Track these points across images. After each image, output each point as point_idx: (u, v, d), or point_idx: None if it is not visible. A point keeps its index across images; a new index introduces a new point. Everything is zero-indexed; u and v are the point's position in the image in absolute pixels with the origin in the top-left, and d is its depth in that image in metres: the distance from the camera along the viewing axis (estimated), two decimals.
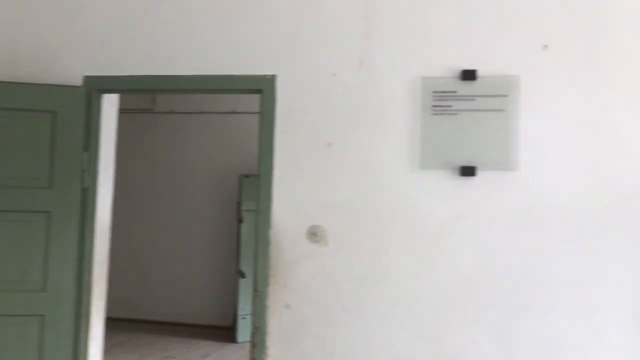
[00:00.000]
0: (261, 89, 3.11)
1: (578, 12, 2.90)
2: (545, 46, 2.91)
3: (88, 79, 3.28)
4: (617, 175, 2.83)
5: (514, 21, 2.95)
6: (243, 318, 6.12)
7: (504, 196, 2.90)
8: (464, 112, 2.94)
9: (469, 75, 2.94)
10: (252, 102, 4.01)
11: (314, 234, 3.04)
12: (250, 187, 5.75)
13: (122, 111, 3.81)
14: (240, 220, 6.21)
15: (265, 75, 3.12)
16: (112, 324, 4.30)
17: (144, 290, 6.87)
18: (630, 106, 2.84)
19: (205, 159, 6.86)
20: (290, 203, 3.06)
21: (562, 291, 2.83)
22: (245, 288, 5.98)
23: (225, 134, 6.72)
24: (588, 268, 2.82)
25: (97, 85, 3.29)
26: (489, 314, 2.89)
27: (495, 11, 2.96)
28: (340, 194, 3.03)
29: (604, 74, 2.86)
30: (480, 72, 2.94)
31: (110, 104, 3.54)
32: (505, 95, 2.92)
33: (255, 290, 3.06)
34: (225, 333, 6.38)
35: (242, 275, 6.12)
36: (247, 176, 6.08)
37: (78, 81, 3.28)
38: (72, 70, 3.30)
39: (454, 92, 2.96)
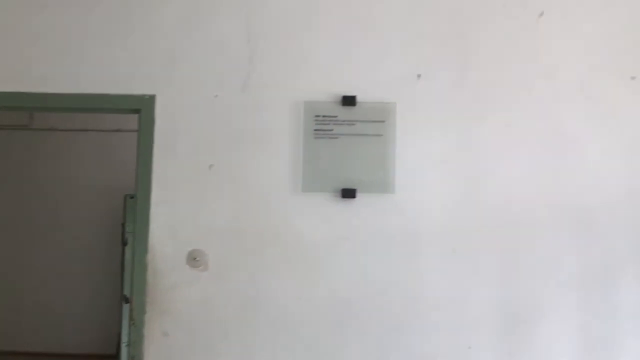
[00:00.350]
0: (139, 108, 3.02)
1: (449, 43, 3.05)
2: (419, 75, 3.04)
3: None
4: (486, 198, 2.99)
5: (391, 50, 3.06)
6: (127, 345, 5.87)
7: (382, 218, 2.98)
8: (344, 136, 3.00)
9: (349, 101, 3.00)
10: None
11: (194, 259, 2.97)
12: (135, 208, 5.56)
13: None
14: (124, 243, 5.98)
15: (143, 95, 3.03)
16: None
17: (15, 318, 6.44)
18: (496, 131, 3.01)
19: (88, 178, 6.57)
20: (169, 226, 2.98)
21: (436, 309, 2.93)
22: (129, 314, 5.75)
23: (110, 152, 6.48)
24: (460, 287, 2.95)
25: None
26: (369, 333, 2.94)
27: (374, 40, 3.06)
28: (222, 217, 2.98)
29: (472, 102, 3.03)
30: (359, 98, 3.01)
31: None
32: (383, 121, 3.01)
33: (131, 318, 2.94)
34: None
35: (127, 300, 5.87)
36: (132, 197, 5.86)
37: None
38: None
39: (335, 116, 3.01)
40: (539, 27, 3.06)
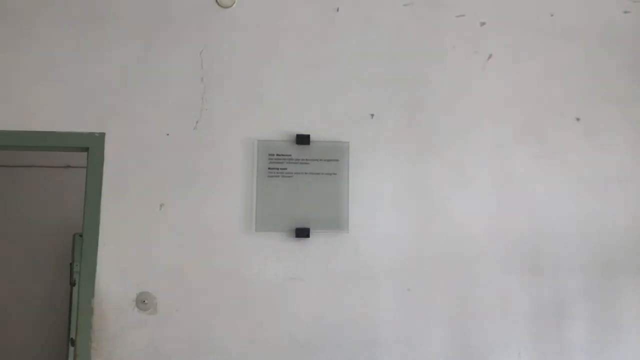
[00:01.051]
0: (88, 147, 2.95)
1: (401, 84, 3.10)
2: (372, 115, 3.06)
3: None
4: (438, 237, 3.00)
5: (344, 90, 3.08)
6: None
7: (336, 257, 2.96)
8: (298, 175, 2.99)
9: (302, 139, 3.00)
10: None
11: (143, 302, 2.87)
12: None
13: None
14: (72, 283, 5.78)
15: (93, 133, 2.97)
16: None
17: None
18: (448, 171, 3.05)
19: (34, 216, 6.32)
20: (117, 268, 2.89)
21: (391, 349, 2.90)
22: None
23: (58, 189, 6.29)
24: (414, 327, 2.93)
25: None
26: None
27: (327, 80, 3.08)
28: (172, 258, 2.91)
29: (424, 141, 3.07)
30: (313, 137, 3.01)
31: None
32: (337, 160, 3.01)
33: None
34: None
35: (72, 343, 5.66)
36: (81, 235, 5.70)
37: None
38: None
39: (289, 155, 3.00)
40: (487, 68, 3.13)
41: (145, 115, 3.00)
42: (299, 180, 2.98)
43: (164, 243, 2.92)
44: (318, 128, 3.02)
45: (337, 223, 2.96)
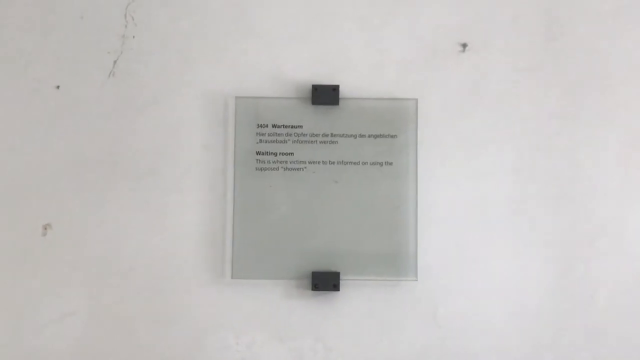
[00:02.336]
0: None
1: None
2: (464, 45, 1.53)
3: None
4: (600, 284, 1.50)
5: (410, 2, 1.56)
6: None
7: (391, 331, 1.48)
8: (316, 166, 1.50)
9: (325, 95, 1.50)
10: None
11: None
12: None
13: None
14: None
15: None
16: None
17: None
18: (614, 160, 1.52)
19: None
20: None
21: None
22: None
23: None
24: None
25: None
26: None
27: None
28: (66, 334, 1.46)
29: (570, 102, 1.52)
30: (345, 91, 1.51)
31: None
32: (393, 136, 1.51)
33: None
34: None
35: None
36: None
37: None
38: None
39: (299, 126, 1.51)
40: None
41: (12, 48, 1.52)
42: (319, 176, 1.50)
43: (50, 302, 1.48)
44: (355, 72, 1.52)
45: (394, 262, 1.48)
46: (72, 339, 1.47)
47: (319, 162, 1.51)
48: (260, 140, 1.50)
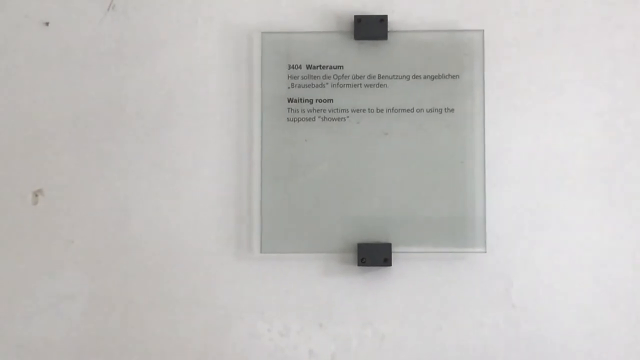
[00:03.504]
0: None
1: None
2: None
3: None
4: None
5: None
6: None
7: (457, 312, 1.22)
8: (361, 115, 1.23)
9: (371, 28, 1.22)
10: None
11: None
12: None
13: None
14: None
15: None
16: None
17: None
18: None
19: None
20: None
21: None
22: None
23: None
24: None
25: None
26: None
27: None
28: (65, 318, 1.21)
29: None
30: (394, 22, 1.23)
31: None
32: (455, 77, 1.23)
33: None
34: None
35: None
36: None
37: None
38: None
39: (339, 66, 1.24)
40: None
41: None
42: (365, 127, 1.22)
43: (46, 281, 1.23)
44: (407, 1, 1.24)
45: (457, 231, 1.21)
46: (70, 326, 1.22)
47: (364, 110, 1.23)
48: (293, 85, 1.24)
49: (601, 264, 1.23)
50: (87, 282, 1.23)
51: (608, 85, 1.24)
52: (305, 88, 1.24)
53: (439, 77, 1.24)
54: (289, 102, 1.24)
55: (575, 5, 1.25)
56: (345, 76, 1.24)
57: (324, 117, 1.24)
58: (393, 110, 1.24)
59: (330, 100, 1.24)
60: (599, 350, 1.21)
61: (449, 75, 1.24)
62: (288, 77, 1.24)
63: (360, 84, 1.24)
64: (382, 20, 1.23)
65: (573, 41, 1.24)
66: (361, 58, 1.24)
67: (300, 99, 1.24)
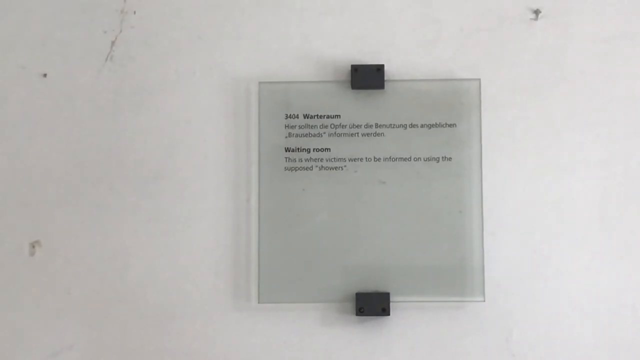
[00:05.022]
0: None
1: None
2: (536, 12, 1.25)
3: None
4: None
5: None
6: None
7: (454, 358, 1.22)
8: (358, 164, 1.23)
9: (367, 77, 1.22)
10: None
11: None
12: None
13: None
14: None
15: None
16: None
17: None
18: None
19: None
20: None
21: None
22: None
23: None
24: None
25: None
26: None
27: None
28: None
29: None
30: (391, 71, 1.24)
31: None
32: (452, 126, 1.24)
33: None
34: None
35: None
36: None
37: None
38: None
39: (336, 116, 1.24)
40: None
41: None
42: (362, 176, 1.22)
43: (42, 334, 1.22)
44: (403, 50, 1.24)
45: (455, 280, 1.20)
46: None
47: (361, 159, 1.24)
48: (290, 134, 1.24)
49: (601, 314, 1.22)
50: (86, 332, 1.23)
51: (606, 133, 1.24)
52: (302, 137, 1.24)
53: (436, 125, 1.24)
54: (286, 151, 1.24)
55: (571, 53, 1.25)
56: (343, 125, 1.24)
57: (322, 167, 1.24)
58: (390, 159, 1.24)
59: (328, 150, 1.24)
60: None
61: (446, 124, 1.24)
62: (285, 126, 1.24)
63: (358, 133, 1.24)
64: (379, 69, 1.24)
65: (569, 89, 1.25)
66: (358, 107, 1.25)
67: (298, 149, 1.24)
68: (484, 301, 1.21)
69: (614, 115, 1.24)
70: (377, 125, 1.24)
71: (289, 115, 1.24)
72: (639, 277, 1.22)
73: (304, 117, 1.24)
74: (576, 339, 1.22)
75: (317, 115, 1.24)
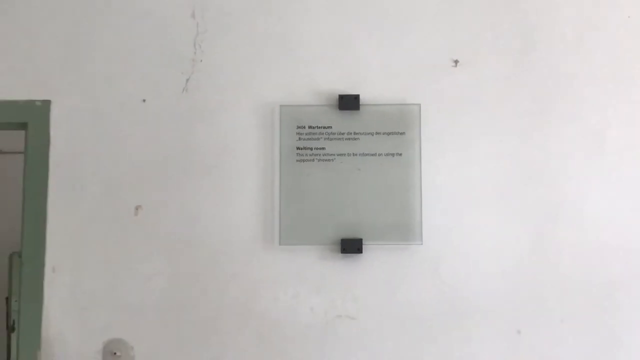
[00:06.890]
0: (26, 121, 1.96)
1: (503, 14, 1.99)
2: (456, 61, 1.97)
3: None
4: (562, 250, 1.92)
5: (411, 24, 1.99)
6: None
7: (403, 283, 1.91)
8: (343, 158, 1.94)
9: (348, 102, 1.94)
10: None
11: (114, 354, 1.90)
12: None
13: None
14: (10, 328, 3.56)
15: (33, 101, 1.98)
16: None
17: None
18: (576, 147, 1.96)
19: None
20: (73, 304, 1.91)
21: None
22: None
23: None
24: None
25: None
26: None
27: (386, 12, 2.00)
28: (154, 289, 1.92)
29: (538, 101, 1.97)
30: (364, 98, 1.95)
31: None
32: (402, 133, 1.94)
33: None
34: None
35: None
36: (20, 255, 2.85)
37: None
38: None
39: (329, 127, 1.95)
40: None
41: (109, 72, 1.99)
42: (345, 165, 1.93)
43: (141, 266, 1.93)
44: (372, 84, 1.96)
45: (404, 230, 1.91)
46: (158, 291, 1.92)
47: (345, 155, 1.95)
48: (300, 139, 1.95)
49: (504, 252, 1.92)
50: (169, 264, 1.93)
51: (500, 138, 1.95)
52: (307, 140, 1.95)
53: (392, 133, 1.95)
54: (297, 149, 1.95)
55: (478, 87, 1.96)
56: (333, 133, 1.95)
57: (319, 159, 1.95)
58: (363, 154, 1.95)
59: (323, 148, 1.95)
60: (501, 303, 1.90)
61: (398, 132, 1.95)
62: (297, 133, 1.95)
63: (342, 138, 1.95)
64: (356, 97, 1.95)
65: (478, 110, 1.96)
66: (343, 121, 1.96)
67: (304, 147, 1.95)
68: (422, 244, 1.91)
69: (505, 128, 1.95)
70: (355, 133, 1.95)
71: (299, 126, 1.96)
72: (525, 229, 1.92)
73: (309, 127, 1.96)
74: (485, 270, 1.92)
75: (317, 126, 1.96)
